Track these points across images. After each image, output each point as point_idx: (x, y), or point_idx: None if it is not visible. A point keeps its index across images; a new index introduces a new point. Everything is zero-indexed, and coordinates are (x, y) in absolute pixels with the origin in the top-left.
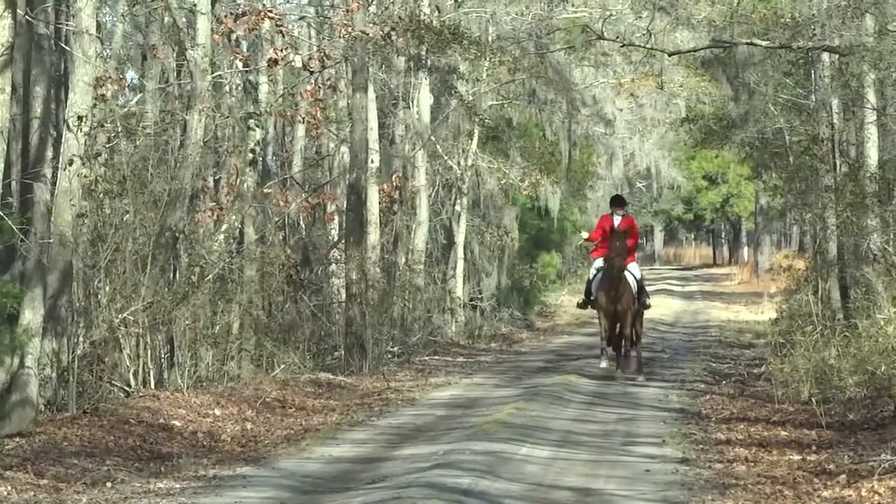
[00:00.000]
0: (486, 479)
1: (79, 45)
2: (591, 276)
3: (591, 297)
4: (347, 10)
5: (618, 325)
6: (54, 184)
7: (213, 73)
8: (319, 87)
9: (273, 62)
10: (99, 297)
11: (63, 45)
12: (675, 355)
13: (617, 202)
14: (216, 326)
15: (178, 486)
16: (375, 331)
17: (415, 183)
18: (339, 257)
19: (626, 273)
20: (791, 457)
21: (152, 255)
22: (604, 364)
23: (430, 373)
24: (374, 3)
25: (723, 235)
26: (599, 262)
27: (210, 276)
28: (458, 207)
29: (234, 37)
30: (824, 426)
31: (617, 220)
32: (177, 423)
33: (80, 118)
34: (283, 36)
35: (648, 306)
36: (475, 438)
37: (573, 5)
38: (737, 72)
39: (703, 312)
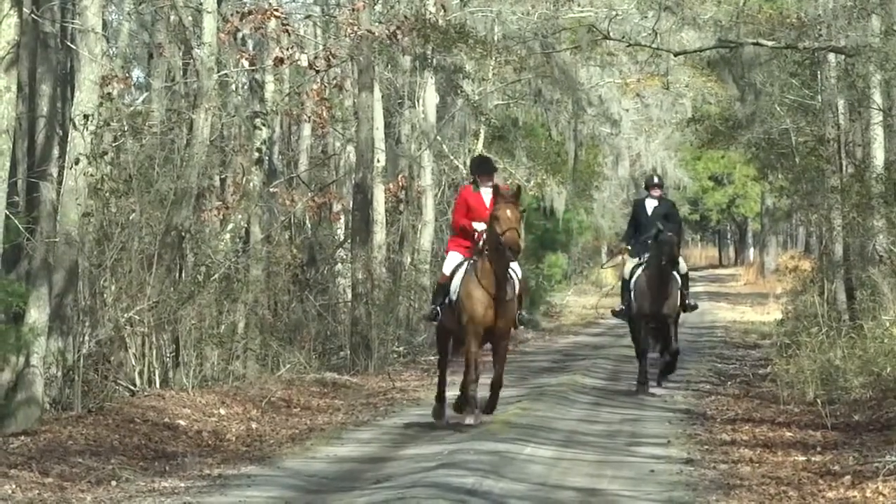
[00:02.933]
0: (491, 479)
1: (85, 43)
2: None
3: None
4: (353, 9)
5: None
6: (60, 183)
7: (219, 71)
8: (325, 86)
9: (279, 61)
10: (104, 296)
11: (69, 44)
12: (680, 356)
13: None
14: (222, 326)
15: (182, 485)
16: (381, 330)
17: (421, 182)
18: (344, 257)
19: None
20: (796, 458)
21: (158, 255)
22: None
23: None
24: (379, 2)
25: (729, 236)
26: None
27: (216, 276)
28: None
29: (240, 35)
30: (829, 427)
31: (652, 203)
32: (182, 422)
33: (86, 117)
34: (289, 35)
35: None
36: (480, 438)
37: (579, 5)
38: (743, 72)
39: (709, 313)
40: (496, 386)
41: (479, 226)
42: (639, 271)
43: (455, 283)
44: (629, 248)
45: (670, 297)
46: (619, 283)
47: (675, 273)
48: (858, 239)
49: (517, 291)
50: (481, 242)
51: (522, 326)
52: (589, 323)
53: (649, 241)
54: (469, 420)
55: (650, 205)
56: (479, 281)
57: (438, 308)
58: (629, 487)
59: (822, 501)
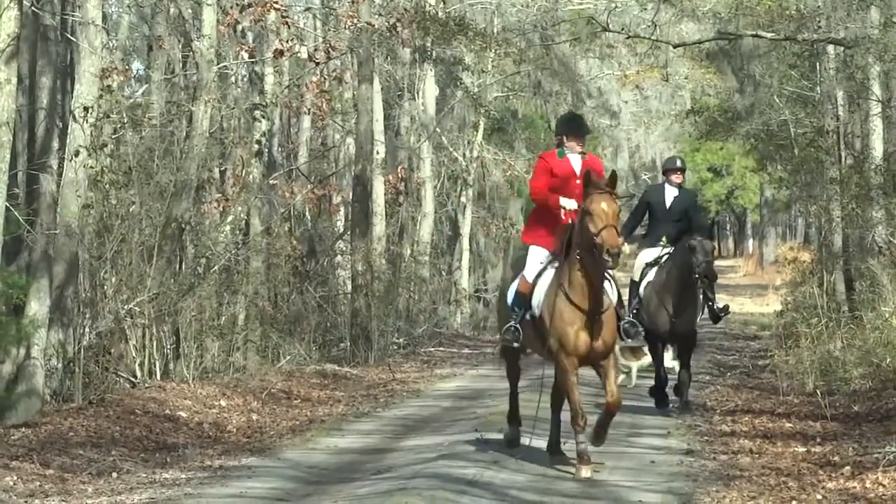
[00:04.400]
0: (491, 470)
1: (85, 35)
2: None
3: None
4: (353, 2)
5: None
6: (60, 175)
7: (218, 64)
8: (325, 78)
9: (279, 53)
10: (105, 288)
11: (69, 36)
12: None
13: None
14: (222, 318)
15: (183, 476)
16: (381, 322)
17: (420, 174)
18: (344, 249)
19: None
20: (796, 448)
21: (158, 247)
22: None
23: (435, 364)
24: None
25: (728, 227)
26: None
27: (216, 268)
28: (463, 199)
29: (239, 28)
30: (829, 418)
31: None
32: (182, 413)
33: (86, 109)
34: (289, 27)
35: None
36: (481, 429)
37: None
38: (742, 64)
39: None
40: (610, 413)
41: (569, 203)
42: (652, 273)
43: (539, 296)
44: (628, 244)
45: (690, 309)
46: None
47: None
48: (857, 230)
49: (615, 297)
50: (568, 238)
51: (629, 339)
52: None
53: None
54: (585, 473)
55: (670, 194)
56: (568, 294)
57: (518, 326)
58: (629, 478)
59: (822, 492)
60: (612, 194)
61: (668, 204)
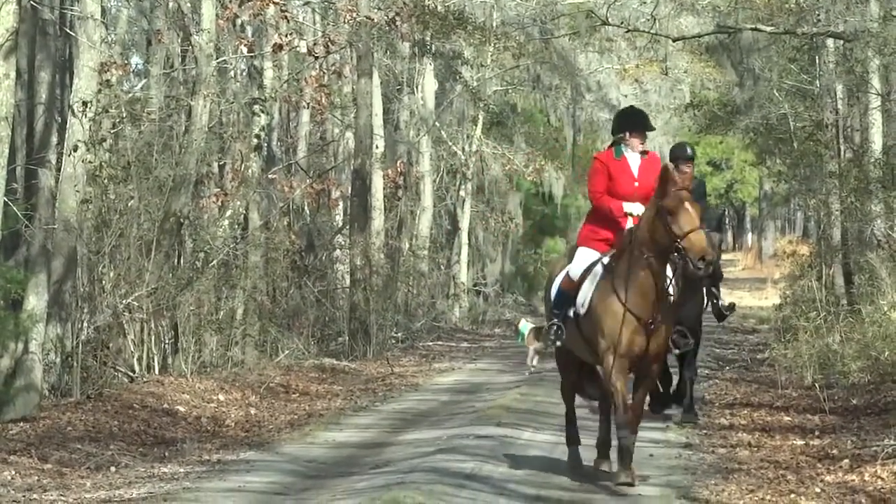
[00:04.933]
0: (490, 464)
1: (83, 30)
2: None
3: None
4: None
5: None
6: (59, 169)
7: (217, 58)
8: (324, 72)
9: (278, 47)
10: (103, 282)
11: (68, 31)
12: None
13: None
14: (220, 312)
15: (182, 470)
16: (379, 316)
17: (419, 168)
18: (343, 243)
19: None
20: (794, 442)
21: (157, 241)
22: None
23: (433, 358)
24: None
25: (727, 221)
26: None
27: (214, 262)
28: (462, 193)
29: (238, 22)
30: (827, 411)
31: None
32: (181, 408)
33: (84, 104)
34: (288, 21)
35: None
36: (479, 423)
37: None
38: (741, 57)
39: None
40: (621, 420)
41: (633, 207)
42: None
43: (584, 293)
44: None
45: (690, 303)
46: None
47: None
48: (856, 223)
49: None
50: (629, 239)
51: (677, 350)
52: None
53: None
54: (624, 478)
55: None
56: (618, 294)
57: (561, 324)
58: None
59: (821, 485)
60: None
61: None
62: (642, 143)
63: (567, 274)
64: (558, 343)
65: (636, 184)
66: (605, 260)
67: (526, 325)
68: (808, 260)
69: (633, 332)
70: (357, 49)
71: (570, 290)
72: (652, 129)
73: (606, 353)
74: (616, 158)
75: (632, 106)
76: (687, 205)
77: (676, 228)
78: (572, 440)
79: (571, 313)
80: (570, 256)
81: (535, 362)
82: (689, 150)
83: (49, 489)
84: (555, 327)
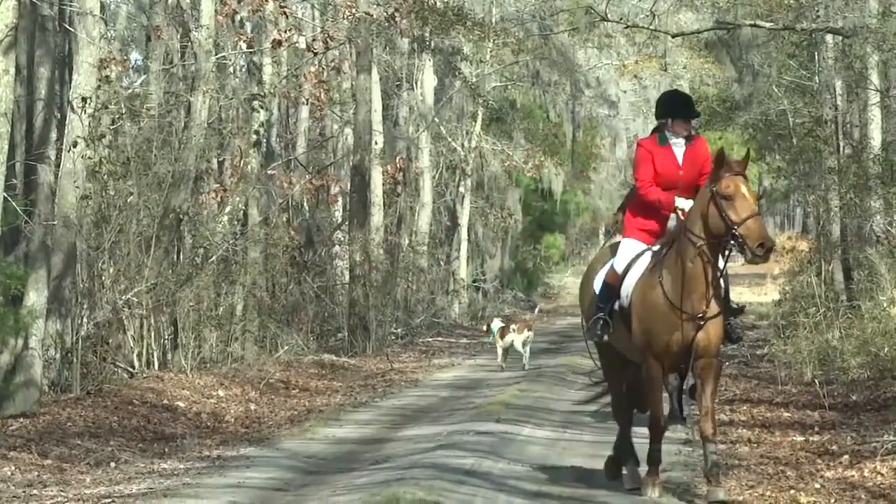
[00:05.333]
0: (490, 460)
1: (83, 26)
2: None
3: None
4: None
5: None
6: (58, 165)
7: (216, 54)
8: (323, 68)
9: (277, 43)
10: (103, 278)
11: (67, 27)
12: None
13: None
14: (220, 308)
15: (182, 466)
16: (379, 312)
17: (418, 165)
18: (342, 239)
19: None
20: (794, 438)
21: (156, 237)
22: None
23: (433, 354)
24: None
25: None
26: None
27: (214, 258)
28: (461, 189)
29: (237, 18)
30: (827, 407)
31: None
32: (180, 404)
33: (84, 100)
34: (287, 17)
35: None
36: (478, 419)
37: None
38: (740, 53)
39: None
40: (707, 434)
41: (685, 203)
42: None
43: (628, 285)
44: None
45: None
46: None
47: None
48: (856, 219)
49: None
50: (678, 227)
51: (731, 344)
52: None
53: None
54: (652, 493)
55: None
56: (662, 287)
57: (607, 318)
58: None
59: (821, 481)
60: (747, 178)
61: None
62: (686, 129)
63: (612, 266)
64: (605, 338)
65: (681, 172)
66: (653, 250)
67: (497, 324)
68: (808, 256)
69: (674, 329)
70: (356, 45)
71: (615, 282)
72: (697, 114)
73: (644, 352)
74: (660, 145)
75: (675, 90)
76: (743, 189)
77: (733, 215)
78: (626, 450)
79: (617, 305)
80: (613, 251)
81: (504, 361)
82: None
83: (49, 485)
84: (601, 321)
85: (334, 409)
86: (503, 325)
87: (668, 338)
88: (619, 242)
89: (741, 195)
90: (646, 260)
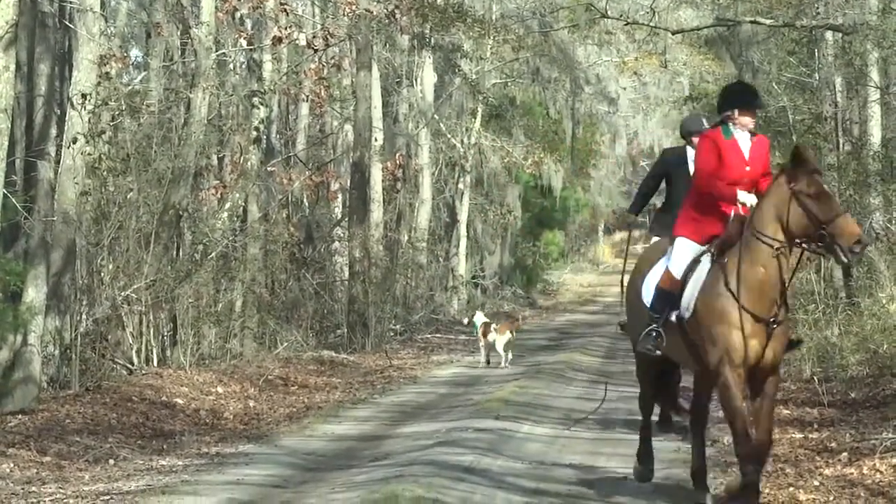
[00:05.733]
0: (489, 457)
1: (83, 22)
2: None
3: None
4: None
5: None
6: (58, 162)
7: (217, 51)
8: (323, 65)
9: (277, 40)
10: (102, 274)
11: (67, 23)
12: None
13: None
14: (219, 304)
15: (180, 463)
16: (378, 309)
17: (418, 161)
18: (342, 235)
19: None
20: (793, 435)
21: (156, 233)
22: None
23: (432, 351)
24: None
25: None
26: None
27: (213, 254)
28: (461, 185)
29: (238, 15)
30: (826, 404)
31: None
32: (179, 400)
33: (84, 96)
34: (287, 14)
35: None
36: (477, 416)
37: None
38: (740, 50)
39: None
40: (760, 452)
41: (748, 197)
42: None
43: (690, 293)
44: (639, 219)
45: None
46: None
47: None
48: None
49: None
50: (742, 227)
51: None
52: (586, 301)
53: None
54: None
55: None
56: (731, 291)
57: (660, 330)
58: (627, 465)
59: (820, 478)
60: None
61: (692, 172)
62: (753, 122)
63: (667, 270)
64: (657, 352)
65: (747, 167)
66: (713, 252)
67: (480, 319)
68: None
69: (751, 337)
70: (356, 42)
71: (673, 289)
72: (763, 106)
73: (720, 366)
74: (725, 138)
75: (740, 81)
76: (826, 188)
77: (821, 213)
78: (644, 458)
79: (674, 317)
80: (661, 249)
81: (488, 358)
82: (704, 123)
83: (48, 482)
84: (654, 333)
85: (333, 406)
86: (487, 320)
87: (745, 345)
88: (674, 241)
89: (825, 193)
90: (705, 265)
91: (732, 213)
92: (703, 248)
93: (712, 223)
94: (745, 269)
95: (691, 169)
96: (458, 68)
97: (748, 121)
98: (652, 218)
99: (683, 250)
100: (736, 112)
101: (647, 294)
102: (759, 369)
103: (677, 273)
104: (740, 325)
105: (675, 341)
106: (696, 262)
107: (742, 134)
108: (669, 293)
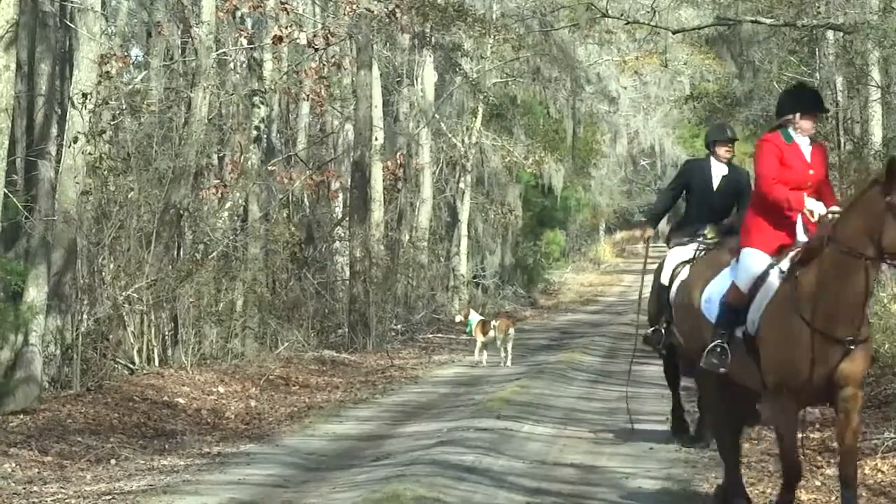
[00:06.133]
0: (490, 457)
1: (84, 22)
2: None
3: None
4: None
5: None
6: (59, 161)
7: (217, 50)
8: (324, 64)
9: (278, 39)
10: (103, 274)
11: (68, 23)
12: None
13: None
14: (220, 304)
15: (182, 463)
16: (379, 308)
17: (419, 160)
18: (343, 234)
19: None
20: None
21: (156, 233)
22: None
23: (433, 350)
24: None
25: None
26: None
27: (214, 254)
28: (461, 185)
29: (238, 14)
30: (828, 404)
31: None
32: (181, 400)
33: (84, 95)
34: (288, 13)
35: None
36: (479, 416)
37: None
38: (741, 49)
39: None
40: (848, 478)
41: (817, 206)
42: (687, 272)
43: (756, 308)
44: (653, 230)
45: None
46: (650, 291)
47: None
48: None
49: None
50: (825, 240)
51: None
52: (587, 300)
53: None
54: None
55: (717, 172)
56: (801, 311)
57: (726, 346)
58: (628, 464)
59: (821, 478)
60: None
61: (714, 184)
62: (815, 127)
63: (733, 284)
64: (722, 369)
65: (811, 171)
66: (783, 266)
67: (475, 317)
68: None
69: (820, 361)
70: (357, 41)
71: (739, 303)
72: (827, 110)
73: (778, 390)
74: (786, 142)
75: (802, 83)
76: None
77: None
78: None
79: (740, 333)
80: (719, 260)
81: (484, 357)
82: (727, 132)
83: (49, 481)
84: (719, 349)
85: (334, 406)
86: (483, 318)
87: (811, 371)
88: (739, 252)
89: None
90: (773, 279)
91: (800, 221)
92: (772, 260)
93: (780, 232)
94: (824, 287)
95: (714, 182)
96: (459, 67)
97: (809, 125)
98: (670, 228)
99: (751, 262)
100: (797, 116)
101: (709, 309)
102: (843, 387)
103: (744, 287)
104: (809, 348)
105: (742, 360)
106: (764, 275)
107: (802, 139)
108: (736, 309)
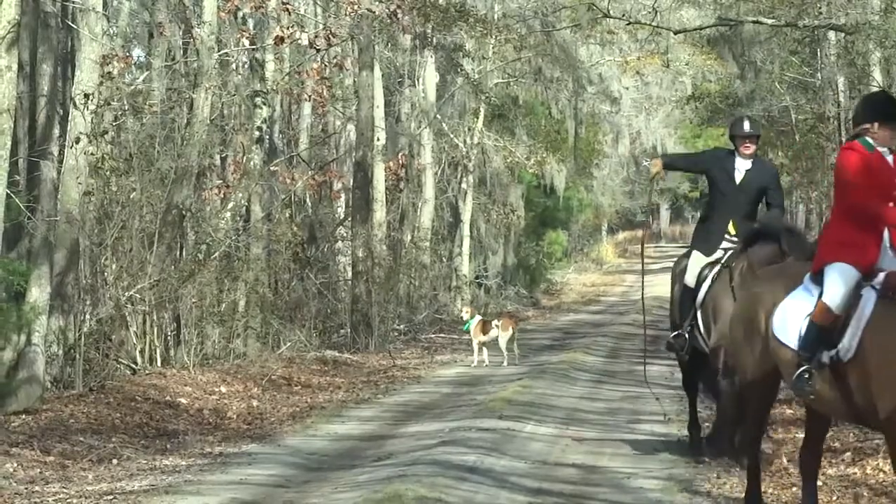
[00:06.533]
0: (492, 457)
1: (85, 22)
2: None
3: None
4: None
5: None
6: (61, 162)
7: (219, 50)
8: (325, 64)
9: (279, 40)
10: (105, 274)
11: (70, 23)
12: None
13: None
14: (222, 304)
15: (184, 463)
16: (381, 308)
17: (421, 161)
18: (345, 235)
19: None
20: (796, 434)
21: (159, 233)
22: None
23: (435, 350)
24: None
25: None
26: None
27: (216, 254)
28: (463, 185)
29: (240, 14)
30: None
31: (743, 165)
32: (183, 400)
33: (86, 96)
34: (290, 13)
35: None
36: (481, 416)
37: None
38: (743, 50)
39: None
40: None
41: None
42: (714, 274)
43: (853, 332)
44: (664, 172)
45: None
46: (672, 293)
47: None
48: None
49: None
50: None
51: None
52: (589, 301)
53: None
54: None
55: (741, 166)
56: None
57: (813, 371)
58: (630, 465)
59: (823, 478)
60: None
61: (738, 179)
62: (894, 138)
63: (822, 303)
64: (811, 396)
65: None
66: (878, 284)
67: (475, 317)
68: None
69: None
70: (358, 41)
71: (831, 325)
72: None
73: (891, 421)
74: (869, 152)
75: (882, 91)
76: None
77: None
78: None
79: (826, 357)
80: (788, 274)
81: (485, 356)
82: (747, 126)
83: (51, 481)
84: (806, 374)
85: (336, 406)
86: (483, 318)
87: None
88: (831, 267)
89: None
90: (870, 298)
91: (887, 236)
92: (860, 275)
93: (871, 247)
94: None
95: (737, 176)
96: (461, 68)
97: (888, 136)
98: (695, 228)
99: (842, 280)
100: (876, 125)
101: (784, 330)
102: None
103: (836, 307)
104: None
105: (828, 387)
106: (859, 292)
107: (883, 149)
108: (828, 330)
